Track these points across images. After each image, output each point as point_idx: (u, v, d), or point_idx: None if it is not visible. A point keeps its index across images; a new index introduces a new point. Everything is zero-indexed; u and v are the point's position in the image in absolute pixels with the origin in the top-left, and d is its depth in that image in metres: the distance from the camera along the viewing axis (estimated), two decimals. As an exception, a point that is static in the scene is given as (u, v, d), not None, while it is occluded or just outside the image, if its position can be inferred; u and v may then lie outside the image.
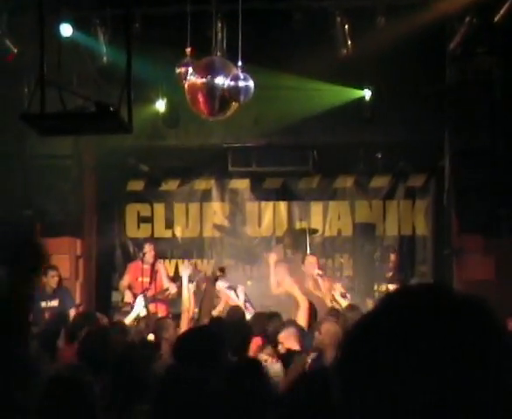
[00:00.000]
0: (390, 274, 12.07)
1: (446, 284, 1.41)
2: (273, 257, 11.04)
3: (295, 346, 7.55)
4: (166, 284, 12.13)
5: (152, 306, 11.04)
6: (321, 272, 10.81)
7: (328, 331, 7.34)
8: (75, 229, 13.00)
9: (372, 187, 13.47)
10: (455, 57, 11.36)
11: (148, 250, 12.40)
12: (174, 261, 13.76)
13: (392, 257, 12.30)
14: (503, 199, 10.75)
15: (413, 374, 1.17)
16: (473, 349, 1.19)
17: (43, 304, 11.51)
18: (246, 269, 13.46)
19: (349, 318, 8.01)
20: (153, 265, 12.28)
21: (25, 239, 9.11)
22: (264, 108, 11.50)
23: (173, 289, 11.81)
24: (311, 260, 11.26)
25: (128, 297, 11.87)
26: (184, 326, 9.47)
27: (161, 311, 11.31)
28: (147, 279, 12.16)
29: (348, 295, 10.09)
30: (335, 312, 8.80)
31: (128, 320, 9.73)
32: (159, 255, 12.79)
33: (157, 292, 11.85)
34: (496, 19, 10.32)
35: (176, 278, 12.18)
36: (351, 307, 9.03)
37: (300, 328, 7.98)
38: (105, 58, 11.44)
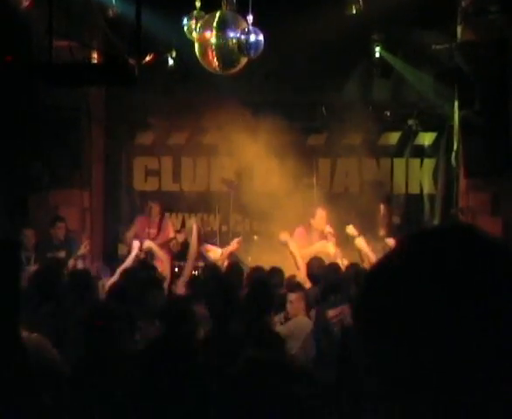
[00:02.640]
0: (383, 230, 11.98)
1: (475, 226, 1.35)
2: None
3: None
4: (172, 234, 12.20)
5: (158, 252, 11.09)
6: (331, 231, 10.80)
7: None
8: (83, 181, 13.01)
9: (380, 144, 13.42)
10: (467, 15, 11.27)
11: (154, 206, 12.46)
12: (180, 215, 13.77)
13: (382, 208, 12.16)
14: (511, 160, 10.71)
15: (438, 321, 1.14)
16: (505, 300, 1.15)
17: (50, 255, 11.56)
18: (253, 224, 13.48)
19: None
20: (160, 220, 12.35)
21: None
22: (274, 64, 11.44)
23: (180, 238, 11.86)
24: (321, 214, 11.26)
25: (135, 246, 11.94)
26: (189, 273, 9.59)
27: (165, 259, 11.34)
28: (154, 231, 12.26)
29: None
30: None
31: (127, 263, 9.82)
32: (166, 208, 12.82)
33: (164, 241, 11.91)
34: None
35: (182, 231, 12.25)
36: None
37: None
38: (114, 10, 11.37)
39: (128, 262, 9.92)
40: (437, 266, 1.17)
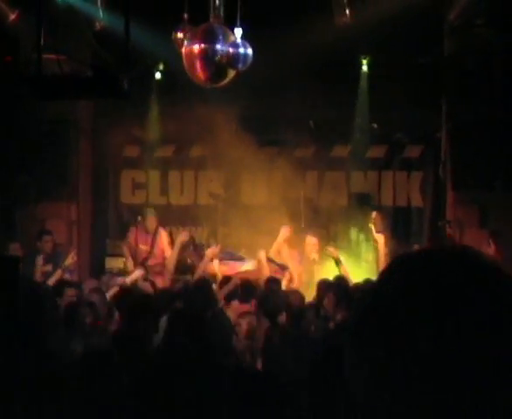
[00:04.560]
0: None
1: (472, 249, 1.36)
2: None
3: None
4: (168, 252, 12.09)
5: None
6: (317, 258, 10.92)
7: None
8: (70, 194, 12.99)
9: (368, 157, 13.44)
10: (454, 28, 11.32)
11: (150, 220, 12.41)
12: (168, 228, 13.74)
13: (374, 215, 12.20)
14: (500, 172, 10.76)
15: (432, 341, 1.13)
16: (500, 319, 1.15)
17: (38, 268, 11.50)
18: (241, 237, 13.48)
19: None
20: (155, 234, 12.31)
21: None
22: (262, 78, 11.44)
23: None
24: (311, 241, 11.35)
25: (130, 265, 11.90)
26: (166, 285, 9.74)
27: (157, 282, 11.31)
28: (146, 247, 12.22)
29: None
30: None
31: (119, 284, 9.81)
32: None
33: (157, 263, 11.87)
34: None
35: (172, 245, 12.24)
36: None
37: None
38: (101, 24, 11.36)
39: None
40: (435, 286, 1.17)
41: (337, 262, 10.15)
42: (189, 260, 11.78)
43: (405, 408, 1.14)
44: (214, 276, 10.64)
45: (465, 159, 11.10)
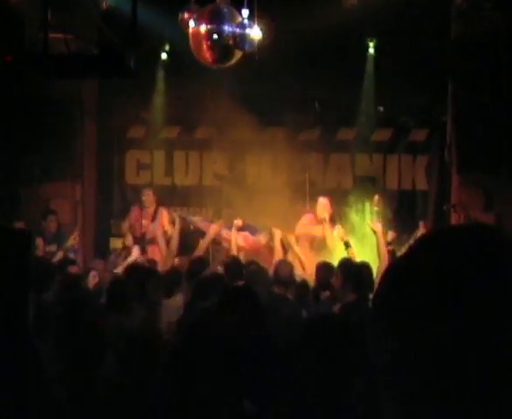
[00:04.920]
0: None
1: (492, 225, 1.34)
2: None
3: None
4: (166, 227, 12.11)
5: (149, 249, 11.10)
6: (327, 218, 10.97)
7: None
8: (75, 174, 12.98)
9: (373, 140, 13.43)
10: (461, 11, 11.27)
11: (147, 195, 12.43)
12: (173, 209, 13.73)
13: (376, 199, 12.20)
14: (505, 156, 10.72)
15: (457, 318, 1.12)
16: None
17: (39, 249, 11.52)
18: (245, 219, 13.46)
19: None
20: (155, 211, 12.32)
21: None
22: (268, 59, 11.41)
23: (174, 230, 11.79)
24: (323, 202, 11.42)
25: (128, 241, 11.87)
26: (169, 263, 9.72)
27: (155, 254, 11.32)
28: (147, 221, 12.22)
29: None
30: None
31: (123, 267, 9.75)
32: (158, 202, 12.80)
33: (156, 235, 11.85)
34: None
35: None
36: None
37: None
38: (107, 3, 11.34)
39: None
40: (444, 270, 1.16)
41: (347, 245, 10.13)
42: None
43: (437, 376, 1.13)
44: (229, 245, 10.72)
45: (470, 143, 11.06)
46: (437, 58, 11.71)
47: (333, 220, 11.33)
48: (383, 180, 13.43)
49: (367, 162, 13.49)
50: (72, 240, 11.44)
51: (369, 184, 13.15)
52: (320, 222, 11.23)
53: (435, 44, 11.71)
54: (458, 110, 11.45)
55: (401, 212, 12.84)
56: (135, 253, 10.57)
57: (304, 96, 12.83)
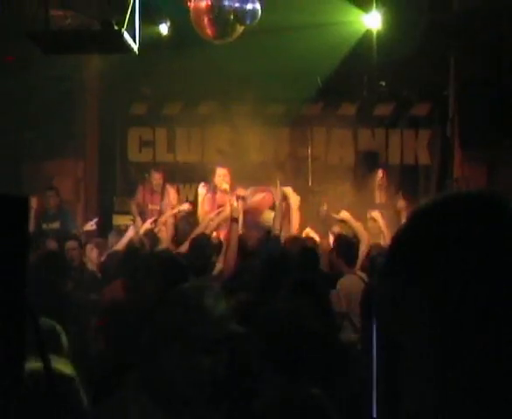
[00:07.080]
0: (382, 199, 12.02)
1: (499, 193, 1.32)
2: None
3: None
4: (174, 204, 12.08)
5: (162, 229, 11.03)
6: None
7: None
8: (77, 151, 12.98)
9: (375, 115, 13.40)
10: (464, -16, 11.23)
11: (156, 179, 12.40)
12: (175, 185, 13.73)
13: (379, 174, 12.18)
14: (507, 130, 10.70)
15: (462, 283, 1.11)
16: None
17: (44, 226, 11.53)
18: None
19: None
20: (162, 190, 12.31)
21: None
22: (270, 33, 11.37)
23: (185, 206, 11.70)
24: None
25: (138, 223, 11.86)
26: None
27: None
28: (154, 206, 12.22)
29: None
30: None
31: (120, 245, 9.70)
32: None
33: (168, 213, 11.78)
34: None
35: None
36: None
37: None
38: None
39: (120, 246, 9.72)
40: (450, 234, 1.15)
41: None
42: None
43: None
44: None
45: (473, 117, 11.04)
46: (439, 32, 11.67)
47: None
48: (385, 155, 13.42)
49: (369, 137, 13.47)
50: (89, 227, 11.44)
51: (371, 159, 13.14)
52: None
53: (437, 18, 11.67)
54: (460, 84, 11.43)
55: (403, 187, 12.82)
56: (131, 232, 10.49)
57: (306, 70, 12.77)
